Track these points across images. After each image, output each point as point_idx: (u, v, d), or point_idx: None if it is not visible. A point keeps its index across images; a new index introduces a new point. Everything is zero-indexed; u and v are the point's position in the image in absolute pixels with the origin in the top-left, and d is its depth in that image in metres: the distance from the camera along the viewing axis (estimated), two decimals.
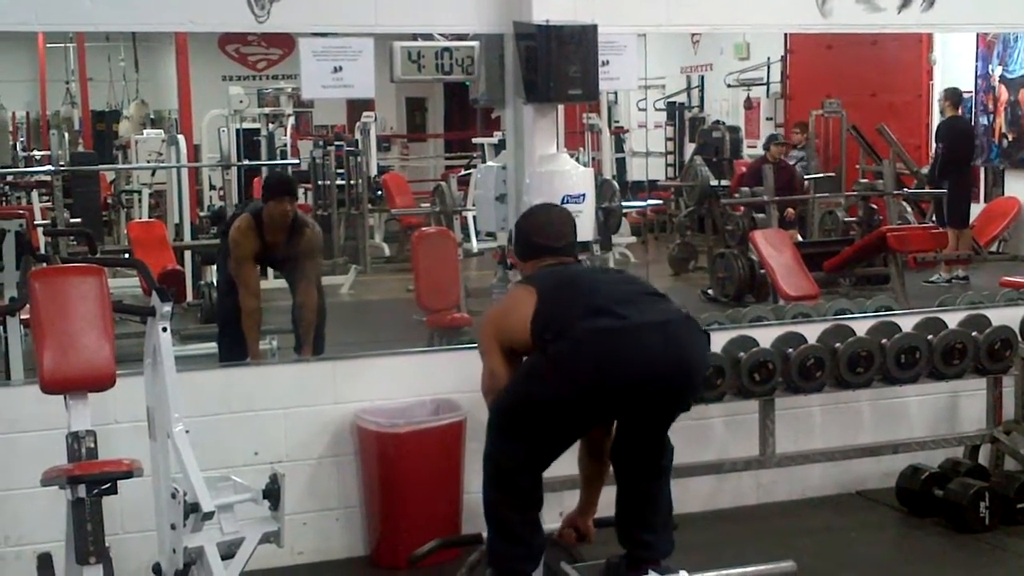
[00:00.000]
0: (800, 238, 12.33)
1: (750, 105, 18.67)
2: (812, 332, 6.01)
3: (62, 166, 13.33)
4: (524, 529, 4.30)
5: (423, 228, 10.70)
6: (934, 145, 13.73)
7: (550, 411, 4.16)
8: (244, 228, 7.39)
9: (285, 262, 7.61)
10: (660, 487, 4.35)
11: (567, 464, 4.43)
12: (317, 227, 7.77)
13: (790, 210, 13.05)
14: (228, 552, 4.38)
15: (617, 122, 18.91)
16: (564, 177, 5.80)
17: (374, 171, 16.10)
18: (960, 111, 13.66)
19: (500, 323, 4.37)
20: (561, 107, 5.92)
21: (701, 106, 20.24)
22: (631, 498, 4.33)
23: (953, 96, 13.44)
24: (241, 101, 13.64)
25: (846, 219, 12.90)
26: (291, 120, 15.29)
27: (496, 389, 4.32)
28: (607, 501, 4.47)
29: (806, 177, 14.14)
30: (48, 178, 13.41)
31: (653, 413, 4.25)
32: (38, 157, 17.24)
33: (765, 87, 18.25)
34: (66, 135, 17.04)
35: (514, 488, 4.29)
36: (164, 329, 4.42)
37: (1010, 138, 14.64)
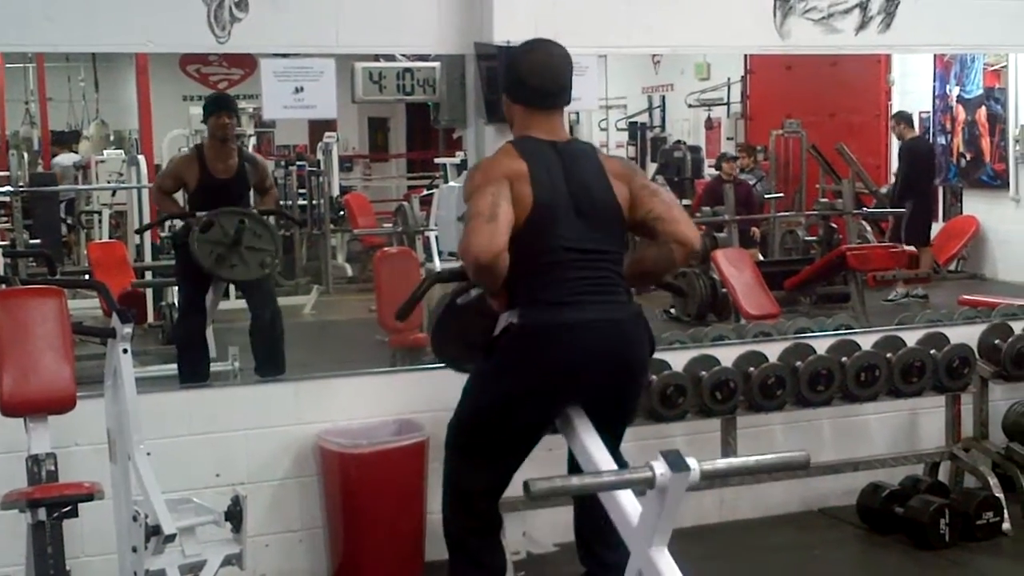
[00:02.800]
0: (761, 257, 12.39)
1: (711, 125, 18.79)
2: (773, 351, 6.04)
3: (21, 187, 13.27)
4: (484, 554, 4.31)
5: (385, 248, 10.70)
6: (896, 165, 13.83)
7: (499, 415, 4.14)
8: (185, 154, 7.67)
9: (233, 195, 7.68)
10: None
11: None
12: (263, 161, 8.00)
13: (755, 229, 13.12)
14: (190, 575, 4.37)
15: None
16: None
17: (336, 191, 16.11)
18: (918, 131, 13.78)
19: (511, 173, 4.05)
20: None
21: (662, 126, 20.35)
22: (590, 516, 4.25)
23: (903, 118, 13.59)
24: (203, 123, 13.58)
25: (806, 238, 12.99)
26: (252, 140, 15.25)
27: (492, 247, 3.87)
28: (567, 522, 4.47)
29: (767, 196, 14.22)
30: (7, 199, 13.33)
31: (596, 415, 4.15)
32: None
33: (726, 107, 18.36)
34: (25, 156, 16.95)
35: (473, 512, 4.29)
36: (125, 351, 4.40)
37: (968, 158, 14.77)
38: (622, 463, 4.25)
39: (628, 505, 3.68)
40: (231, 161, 7.62)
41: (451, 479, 4.33)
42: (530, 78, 4.23)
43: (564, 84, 4.27)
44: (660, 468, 3.19)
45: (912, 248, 12.44)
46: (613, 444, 4.26)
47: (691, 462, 3.21)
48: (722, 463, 3.51)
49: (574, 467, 4.26)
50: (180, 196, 7.87)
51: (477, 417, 4.21)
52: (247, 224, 7.30)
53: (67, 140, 18.59)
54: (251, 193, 8.02)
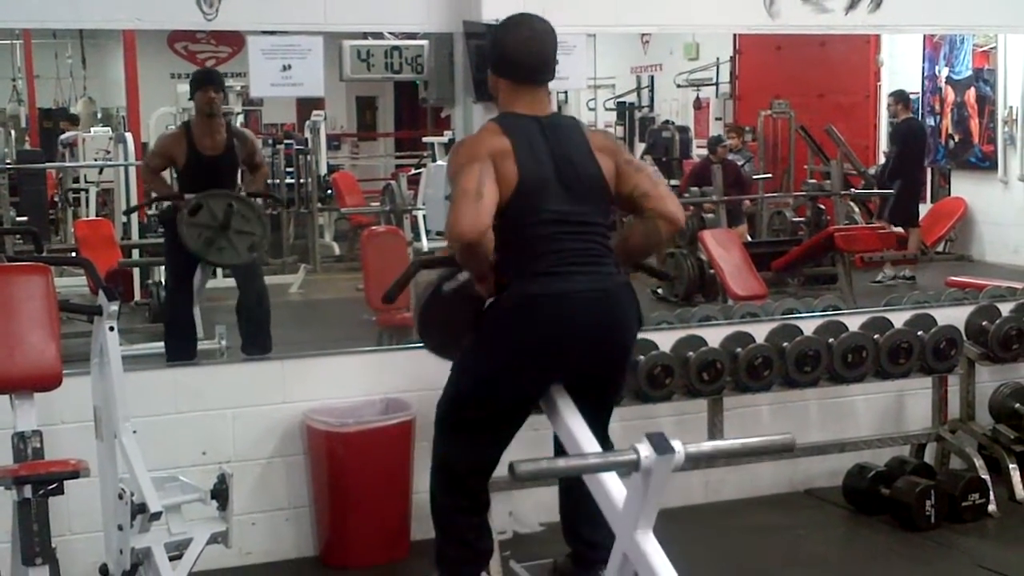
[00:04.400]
0: (749, 238, 12.40)
1: (699, 105, 18.78)
2: (760, 331, 6.04)
3: (8, 164, 13.20)
4: (471, 533, 4.31)
5: (373, 227, 10.67)
6: (886, 146, 13.82)
7: (489, 388, 4.14)
8: (173, 131, 7.87)
9: (223, 169, 7.68)
10: None
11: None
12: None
13: (748, 202, 13.12)
14: (176, 553, 4.36)
15: None
16: None
17: (324, 170, 16.08)
18: (910, 112, 13.78)
19: (494, 151, 4.07)
20: None
21: (651, 106, 20.33)
22: (575, 496, 4.27)
23: (902, 97, 13.55)
24: (190, 99, 13.52)
25: (794, 219, 12.99)
26: (240, 118, 15.21)
27: (478, 226, 3.89)
28: (552, 502, 4.48)
29: (755, 177, 14.22)
30: None
31: (584, 388, 4.17)
32: None
33: (714, 87, 18.35)
34: (12, 133, 16.90)
35: (461, 491, 4.28)
36: (111, 328, 4.39)
37: (956, 139, 14.79)
38: (609, 443, 4.26)
39: (613, 488, 3.68)
40: (219, 137, 7.60)
41: (440, 457, 4.33)
42: (514, 53, 4.24)
43: (548, 59, 4.28)
44: (645, 450, 3.19)
45: (899, 229, 12.47)
46: (601, 421, 4.27)
47: (676, 444, 3.22)
48: (707, 446, 3.53)
49: (560, 448, 4.26)
50: (168, 174, 7.85)
51: (467, 392, 4.21)
52: (235, 207, 7.28)
53: (72, 118, 18.52)
54: (239, 169, 7.99)
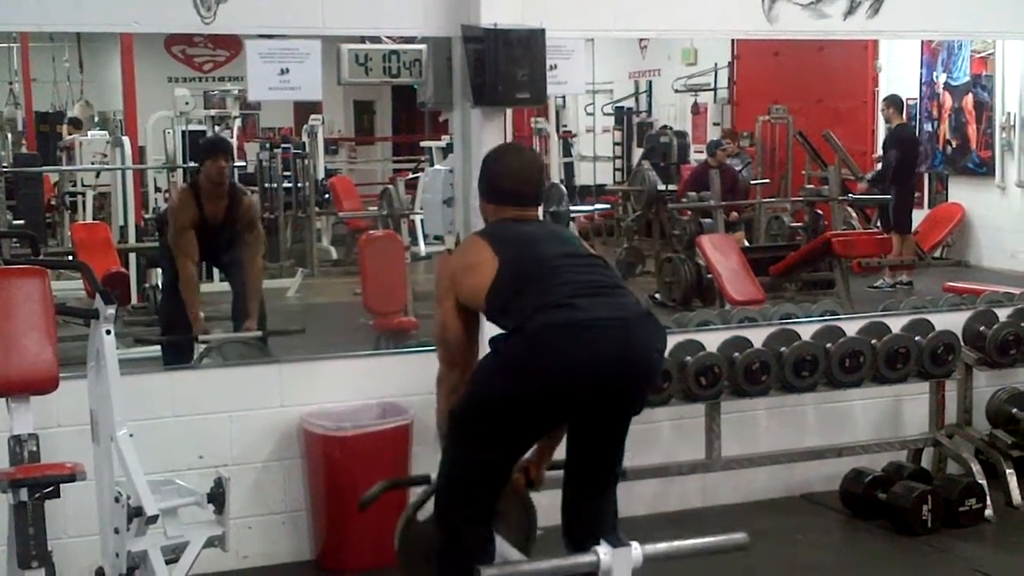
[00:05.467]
0: (747, 243, 12.40)
1: (697, 110, 18.76)
2: (758, 336, 6.05)
3: (5, 167, 13.19)
4: (473, 540, 4.28)
5: (370, 231, 10.69)
6: (882, 152, 13.81)
7: (505, 411, 4.08)
8: (183, 197, 7.66)
9: (224, 234, 7.62)
10: (610, 495, 4.28)
11: None
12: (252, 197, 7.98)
13: (734, 213, 13.12)
14: (172, 556, 4.36)
15: (565, 126, 18.98)
16: None
17: (321, 174, 16.08)
18: (905, 117, 13.77)
19: (458, 277, 4.25)
20: (509, 111, 5.91)
21: (649, 111, 20.32)
22: (580, 506, 4.25)
23: (896, 103, 13.55)
24: (187, 103, 13.51)
25: (792, 224, 12.99)
26: (237, 122, 15.20)
27: (447, 340, 4.27)
28: (553, 506, 4.47)
29: (753, 182, 14.22)
30: None
31: (607, 413, 4.15)
32: None
33: (712, 92, 18.34)
34: (9, 136, 16.89)
35: (470, 499, 4.25)
36: (108, 332, 4.38)
37: (954, 145, 14.78)
38: (619, 470, 4.30)
39: None
40: (222, 203, 7.56)
41: (450, 465, 4.29)
42: (502, 182, 4.38)
43: (535, 187, 4.44)
44: (603, 551, 3.30)
45: (896, 234, 12.49)
46: (616, 447, 4.25)
47: (633, 544, 3.42)
48: (663, 546, 3.69)
49: (568, 463, 4.28)
50: None
51: (483, 408, 4.15)
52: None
53: (75, 121, 18.51)
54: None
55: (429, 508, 4.41)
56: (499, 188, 4.38)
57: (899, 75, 15.27)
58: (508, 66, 5.52)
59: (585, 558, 3.31)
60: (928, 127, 15.02)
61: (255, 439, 5.55)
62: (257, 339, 7.33)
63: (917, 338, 6.16)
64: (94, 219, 13.19)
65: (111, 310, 4.38)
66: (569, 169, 17.54)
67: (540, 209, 4.50)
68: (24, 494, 4.11)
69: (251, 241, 7.68)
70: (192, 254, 7.51)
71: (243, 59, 5.73)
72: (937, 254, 14.40)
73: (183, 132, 13.49)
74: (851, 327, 6.23)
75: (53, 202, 14.57)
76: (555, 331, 4.01)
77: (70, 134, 17.07)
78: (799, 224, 12.78)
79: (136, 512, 4.18)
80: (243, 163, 15.02)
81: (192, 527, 4.47)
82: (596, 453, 4.23)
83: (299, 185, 14.91)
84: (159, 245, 8.31)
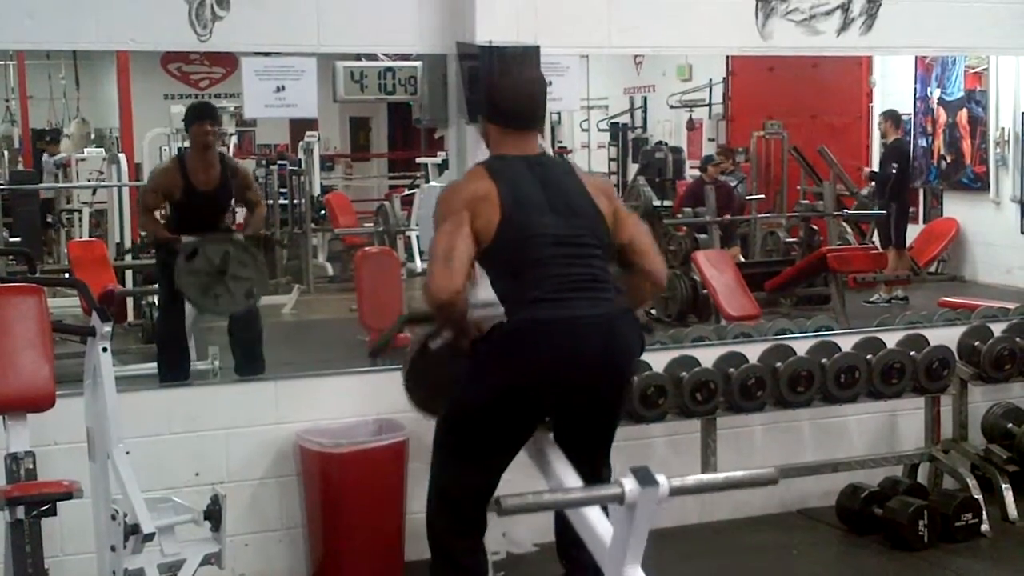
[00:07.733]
0: (742, 258, 12.42)
1: (692, 126, 18.78)
2: (753, 352, 6.05)
3: (1, 185, 13.20)
4: (466, 556, 4.31)
5: (366, 248, 10.70)
6: (879, 167, 13.83)
7: (487, 413, 4.12)
8: (168, 165, 7.94)
9: (219, 200, 7.70)
10: None
11: (510, 488, 4.42)
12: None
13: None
14: (169, 574, 4.36)
15: (560, 143, 19.00)
16: None
17: (317, 190, 16.08)
18: (901, 132, 13.80)
19: (476, 206, 4.11)
20: None
21: (644, 127, 20.34)
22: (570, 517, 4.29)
23: (894, 117, 13.57)
24: (186, 131, 13.51)
25: (787, 240, 13.01)
26: (233, 139, 15.22)
27: (452, 260, 4.02)
28: (547, 522, 4.47)
29: (748, 198, 14.24)
30: None
31: (584, 412, 4.18)
32: None
33: (707, 108, 18.37)
34: (5, 154, 16.89)
35: (459, 514, 4.28)
36: (104, 349, 4.39)
37: (948, 160, 14.81)
38: (608, 471, 4.28)
39: (599, 524, 3.68)
40: (213, 171, 7.56)
41: (437, 480, 4.32)
42: (505, 101, 4.33)
43: (538, 106, 4.39)
44: (629, 484, 3.19)
45: (891, 249, 12.51)
46: (600, 450, 4.28)
47: (660, 478, 3.21)
48: (691, 479, 3.52)
49: None
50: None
51: (465, 416, 4.20)
52: (232, 253, 7.23)
53: (55, 137, 18.49)
54: (233, 202, 7.99)
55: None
56: (500, 109, 4.34)
57: (893, 90, 15.32)
58: None
59: (609, 490, 3.23)
60: (923, 142, 15.05)
61: (251, 456, 5.55)
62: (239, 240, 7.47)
63: (912, 353, 6.17)
64: (90, 236, 13.19)
65: (107, 327, 4.39)
66: None
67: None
68: (21, 512, 4.11)
69: (251, 197, 7.86)
70: (153, 209, 7.80)
71: (239, 76, 5.74)
72: (932, 269, 14.41)
73: (179, 149, 13.48)
74: (846, 342, 6.24)
75: (49, 219, 14.56)
76: (532, 329, 4.05)
77: (52, 154, 17.02)
78: (794, 239, 12.81)
79: (133, 529, 4.19)
80: None
81: (189, 544, 4.47)
82: (579, 458, 4.21)
83: (295, 202, 14.93)
84: (155, 263, 8.30)
